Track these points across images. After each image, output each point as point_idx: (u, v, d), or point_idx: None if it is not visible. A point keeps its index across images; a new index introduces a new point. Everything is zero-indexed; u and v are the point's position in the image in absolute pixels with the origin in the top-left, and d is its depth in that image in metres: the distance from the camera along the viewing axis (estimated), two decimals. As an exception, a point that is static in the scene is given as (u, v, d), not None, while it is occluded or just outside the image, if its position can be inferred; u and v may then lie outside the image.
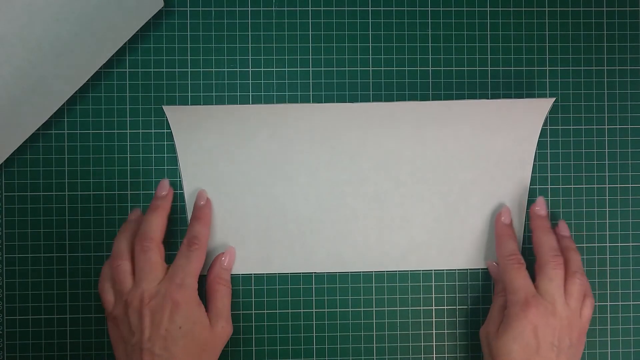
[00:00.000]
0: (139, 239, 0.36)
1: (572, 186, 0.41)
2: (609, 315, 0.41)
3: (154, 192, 0.40)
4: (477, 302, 0.41)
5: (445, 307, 0.41)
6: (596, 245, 0.41)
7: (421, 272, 0.41)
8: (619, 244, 0.41)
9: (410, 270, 0.40)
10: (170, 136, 0.40)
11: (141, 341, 0.34)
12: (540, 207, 0.39)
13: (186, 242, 0.37)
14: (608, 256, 0.41)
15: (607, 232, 0.41)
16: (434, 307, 0.41)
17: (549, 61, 0.41)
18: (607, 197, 0.41)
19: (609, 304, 0.41)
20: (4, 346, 0.39)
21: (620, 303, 0.41)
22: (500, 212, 0.39)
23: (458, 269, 0.41)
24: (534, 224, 0.39)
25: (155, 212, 0.37)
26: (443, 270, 0.41)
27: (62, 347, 0.39)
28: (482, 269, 0.41)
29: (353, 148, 0.39)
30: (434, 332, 0.41)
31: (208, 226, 0.38)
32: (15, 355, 0.39)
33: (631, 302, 0.41)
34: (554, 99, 0.38)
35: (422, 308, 0.41)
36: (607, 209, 0.41)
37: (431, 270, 0.41)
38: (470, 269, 0.41)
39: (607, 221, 0.41)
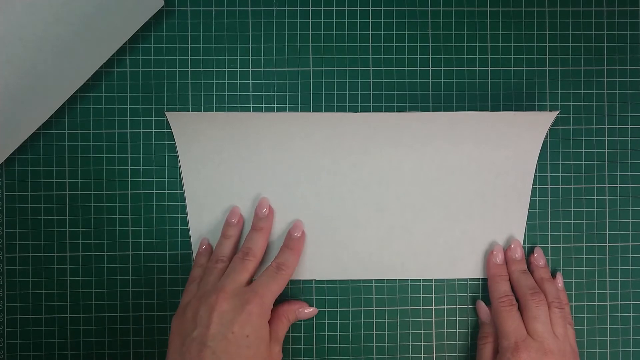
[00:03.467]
0: (243, 252, 0.37)
1: (572, 186, 0.41)
2: (608, 315, 0.41)
3: (154, 191, 0.40)
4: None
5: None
6: (596, 245, 0.41)
7: (421, 281, 0.41)
8: (619, 244, 0.41)
9: (410, 279, 0.41)
10: (170, 136, 0.40)
11: (205, 336, 0.33)
12: (515, 250, 0.39)
13: (275, 266, 0.37)
14: (608, 256, 0.41)
15: (607, 232, 0.41)
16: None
17: (549, 61, 0.41)
18: (607, 197, 0.41)
19: (608, 303, 0.41)
20: (4, 345, 0.39)
21: (620, 303, 0.41)
22: (492, 251, 0.39)
23: (458, 279, 0.41)
24: (509, 268, 0.39)
25: (260, 233, 0.38)
26: (443, 279, 0.41)
27: (63, 347, 0.40)
28: (482, 279, 0.41)
29: (354, 157, 0.39)
30: (433, 331, 0.41)
31: (299, 253, 0.39)
32: (15, 354, 0.39)
33: (631, 302, 0.41)
34: (557, 112, 0.38)
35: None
36: (607, 209, 0.41)
37: (431, 279, 0.41)
38: (470, 279, 0.41)
39: (607, 221, 0.41)
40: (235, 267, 0.36)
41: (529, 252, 0.40)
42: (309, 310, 0.39)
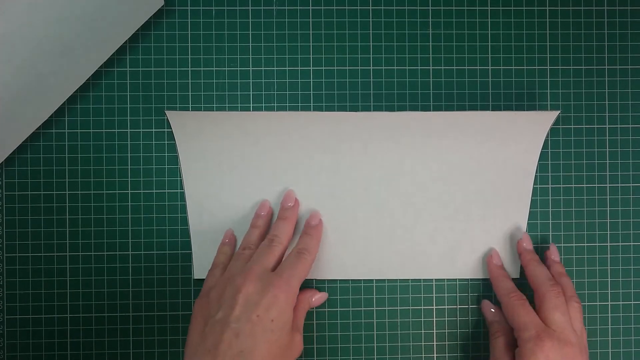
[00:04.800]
0: (269, 239, 0.37)
1: (573, 186, 0.41)
2: (609, 315, 0.41)
3: (154, 191, 0.40)
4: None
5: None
6: (597, 245, 0.41)
7: (422, 281, 0.41)
8: (620, 244, 0.41)
9: (411, 279, 0.40)
10: (170, 135, 0.40)
11: (229, 317, 0.32)
12: (527, 242, 0.39)
13: (296, 252, 0.37)
14: (609, 256, 0.41)
15: (609, 232, 0.41)
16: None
17: (550, 60, 0.41)
18: (608, 197, 0.41)
19: (609, 303, 0.41)
20: (4, 345, 0.39)
21: (620, 303, 0.41)
22: (490, 255, 0.39)
23: (459, 279, 0.41)
24: (524, 259, 0.39)
25: (285, 221, 0.38)
26: (444, 279, 0.40)
27: (63, 347, 0.40)
28: (483, 279, 0.40)
29: (355, 156, 0.39)
30: (434, 331, 0.41)
31: (319, 239, 0.39)
32: (15, 354, 0.39)
33: (632, 302, 0.41)
34: (558, 111, 0.38)
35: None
36: (609, 209, 0.41)
37: (432, 279, 0.40)
38: (471, 279, 0.41)
39: (609, 221, 0.41)
40: (262, 252, 0.36)
41: (542, 249, 0.40)
42: (319, 296, 0.39)
